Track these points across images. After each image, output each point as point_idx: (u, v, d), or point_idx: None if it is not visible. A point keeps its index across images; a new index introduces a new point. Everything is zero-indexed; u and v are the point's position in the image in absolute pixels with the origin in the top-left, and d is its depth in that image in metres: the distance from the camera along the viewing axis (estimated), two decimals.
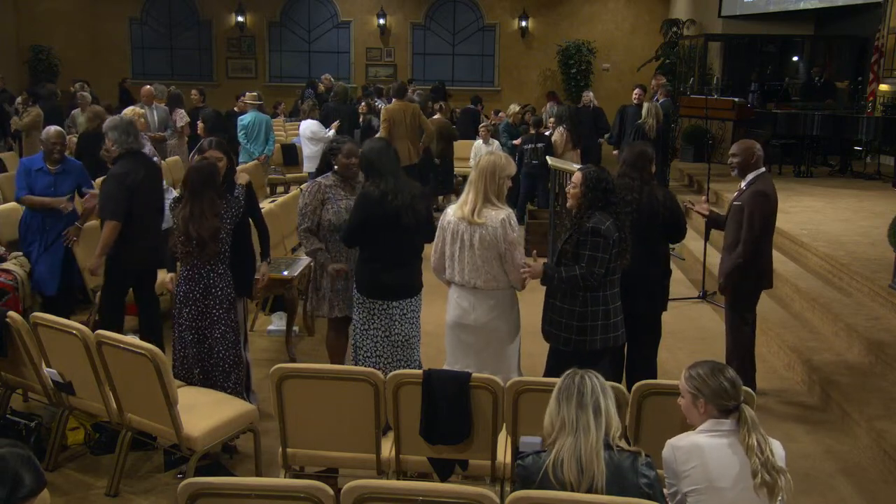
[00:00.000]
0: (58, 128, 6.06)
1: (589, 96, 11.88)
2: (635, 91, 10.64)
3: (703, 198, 6.05)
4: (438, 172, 10.47)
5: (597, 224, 4.02)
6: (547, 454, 2.63)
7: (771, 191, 5.09)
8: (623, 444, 2.70)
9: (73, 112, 10.54)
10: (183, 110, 10.21)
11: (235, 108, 10.93)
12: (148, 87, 10.03)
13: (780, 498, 2.70)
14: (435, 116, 10.90)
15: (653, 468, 2.65)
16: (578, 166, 5.91)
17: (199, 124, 9.01)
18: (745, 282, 5.19)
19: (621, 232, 4.09)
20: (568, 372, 2.73)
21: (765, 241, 5.16)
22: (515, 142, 10.89)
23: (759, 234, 5.05)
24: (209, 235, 4.31)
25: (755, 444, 2.68)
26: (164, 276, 4.85)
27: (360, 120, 11.26)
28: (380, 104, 12.58)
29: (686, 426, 2.91)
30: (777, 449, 2.78)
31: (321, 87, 14.16)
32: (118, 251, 5.15)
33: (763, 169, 5.19)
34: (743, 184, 5.21)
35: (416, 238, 4.51)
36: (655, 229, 4.72)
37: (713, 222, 5.58)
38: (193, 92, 11.77)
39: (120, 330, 5.05)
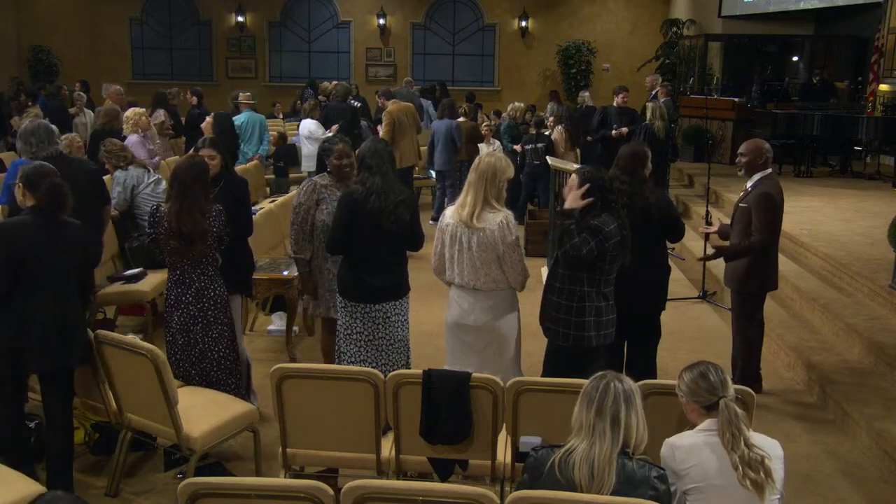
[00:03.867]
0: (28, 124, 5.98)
1: (583, 96, 11.83)
2: (621, 95, 10.54)
3: (711, 227, 5.86)
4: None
5: (601, 224, 3.98)
6: (559, 448, 2.64)
7: (777, 193, 5.08)
8: (643, 455, 2.69)
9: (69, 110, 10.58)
10: (162, 110, 10.22)
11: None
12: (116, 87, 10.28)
13: (777, 494, 2.71)
14: (460, 119, 10.87)
15: (665, 482, 2.65)
16: (577, 166, 5.90)
17: (208, 119, 8.97)
18: (751, 284, 5.19)
19: (623, 234, 4.04)
20: (599, 375, 2.71)
21: (774, 243, 5.15)
22: (517, 147, 10.79)
23: (768, 235, 5.04)
24: (198, 233, 4.27)
25: (730, 438, 2.71)
26: None
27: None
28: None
29: (683, 425, 2.93)
30: (775, 449, 2.79)
31: (327, 87, 14.12)
32: None
33: (770, 170, 5.17)
34: (749, 184, 5.19)
35: (399, 243, 4.43)
36: (650, 231, 4.69)
37: (723, 235, 5.48)
38: (188, 93, 11.77)
39: None
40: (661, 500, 2.61)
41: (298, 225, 4.84)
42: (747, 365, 5.26)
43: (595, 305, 4.10)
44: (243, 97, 10.27)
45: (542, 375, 4.20)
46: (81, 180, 5.17)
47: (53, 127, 5.42)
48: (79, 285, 3.94)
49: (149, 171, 6.45)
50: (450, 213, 4.26)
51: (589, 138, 10.54)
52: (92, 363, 4.05)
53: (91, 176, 5.40)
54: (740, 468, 2.66)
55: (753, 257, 5.09)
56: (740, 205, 5.20)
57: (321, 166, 5.02)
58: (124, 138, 7.61)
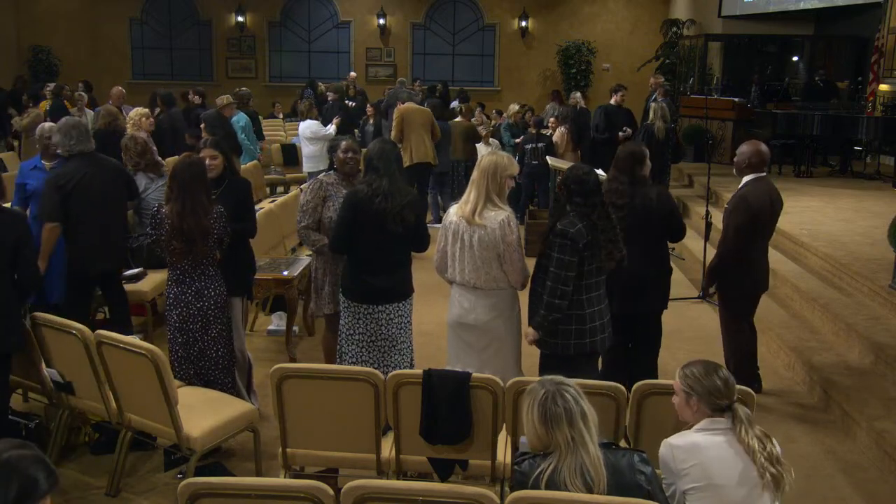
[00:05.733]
0: (51, 124, 6.03)
1: (576, 97, 11.87)
2: (619, 94, 10.48)
3: None
4: (466, 175, 10.39)
5: (566, 227, 3.98)
6: (542, 458, 2.62)
7: (756, 197, 5.02)
8: (623, 445, 2.70)
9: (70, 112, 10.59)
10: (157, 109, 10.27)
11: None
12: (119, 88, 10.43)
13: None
14: (457, 119, 10.85)
15: (649, 464, 2.66)
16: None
17: (202, 126, 9.00)
18: (734, 288, 5.18)
19: (594, 235, 4.01)
20: (542, 394, 2.64)
21: (751, 248, 5.11)
22: (517, 140, 10.85)
23: (731, 239, 5.02)
24: (199, 233, 4.28)
25: (755, 443, 2.69)
26: None
27: (372, 122, 11.32)
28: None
29: (680, 424, 2.92)
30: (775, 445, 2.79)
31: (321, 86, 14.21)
32: (69, 254, 5.15)
33: (762, 173, 5.15)
34: (740, 185, 5.21)
35: (404, 244, 4.43)
36: (652, 230, 4.68)
37: None
38: (191, 93, 11.75)
39: None
40: (652, 482, 2.62)
41: (306, 223, 4.84)
42: (739, 367, 5.22)
43: (576, 314, 4.07)
44: (225, 99, 9.92)
45: None
46: (113, 179, 5.36)
47: None
48: (13, 274, 3.98)
49: (160, 177, 6.35)
50: (453, 210, 4.26)
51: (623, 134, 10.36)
52: (96, 361, 4.05)
53: (122, 174, 5.57)
54: (766, 467, 2.65)
55: (733, 262, 5.09)
56: (725, 206, 5.24)
57: (332, 166, 5.06)
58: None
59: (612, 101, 10.45)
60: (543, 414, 2.61)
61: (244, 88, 11.42)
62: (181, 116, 10.27)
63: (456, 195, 9.97)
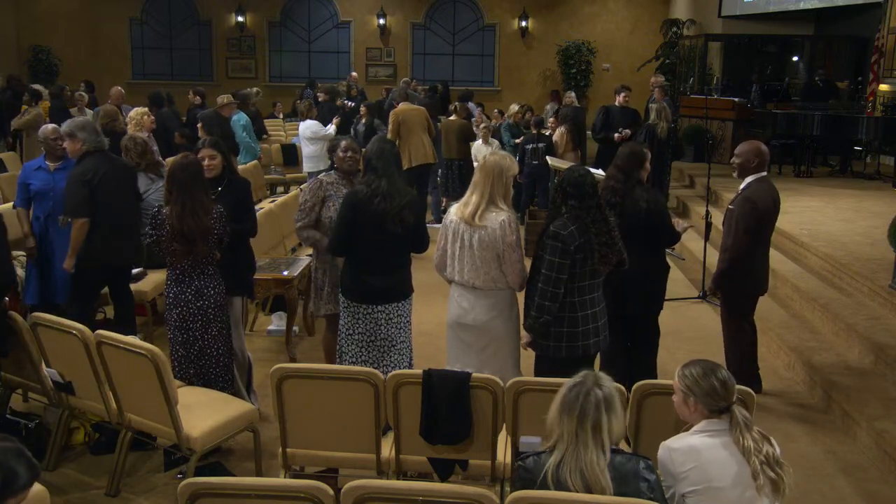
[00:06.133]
0: (54, 125, 6.04)
1: (570, 96, 11.82)
2: (622, 94, 10.46)
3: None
4: (459, 174, 10.37)
5: (558, 229, 3.97)
6: (547, 455, 2.62)
7: (761, 198, 5.03)
8: (624, 446, 2.69)
9: (70, 112, 10.60)
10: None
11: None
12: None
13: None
14: (451, 118, 10.84)
15: (653, 471, 2.65)
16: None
17: (199, 125, 9.00)
18: (736, 288, 5.17)
19: (587, 237, 3.97)
20: (577, 381, 2.64)
21: (756, 248, 5.12)
22: (517, 140, 10.85)
23: (742, 241, 5.02)
24: (200, 233, 4.29)
25: (751, 445, 2.68)
26: None
27: (364, 122, 11.32)
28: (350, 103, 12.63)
29: (680, 424, 2.91)
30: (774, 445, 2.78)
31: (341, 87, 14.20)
32: (82, 251, 5.20)
33: (763, 173, 5.14)
34: (741, 186, 5.20)
35: (404, 245, 4.42)
36: (639, 234, 4.63)
37: None
38: (191, 93, 11.75)
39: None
40: (654, 490, 2.61)
41: (304, 223, 4.84)
42: (739, 367, 5.22)
43: (568, 316, 4.06)
44: (225, 98, 9.87)
45: None
46: (125, 177, 5.45)
47: None
48: None
49: (160, 177, 6.33)
50: (454, 210, 4.26)
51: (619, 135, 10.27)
52: (96, 361, 4.05)
53: (131, 173, 5.66)
54: (761, 471, 2.63)
55: (738, 263, 5.09)
56: (728, 206, 5.22)
57: (332, 165, 5.07)
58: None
59: (617, 102, 10.44)
60: (564, 399, 2.62)
61: (254, 88, 11.40)
62: (172, 116, 10.27)
63: (453, 195, 9.99)
